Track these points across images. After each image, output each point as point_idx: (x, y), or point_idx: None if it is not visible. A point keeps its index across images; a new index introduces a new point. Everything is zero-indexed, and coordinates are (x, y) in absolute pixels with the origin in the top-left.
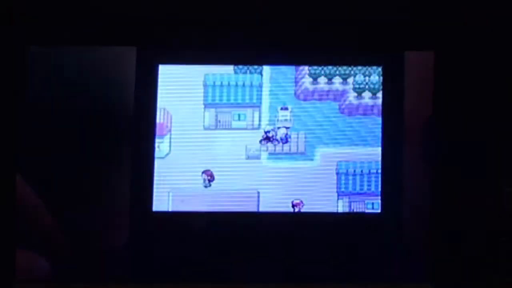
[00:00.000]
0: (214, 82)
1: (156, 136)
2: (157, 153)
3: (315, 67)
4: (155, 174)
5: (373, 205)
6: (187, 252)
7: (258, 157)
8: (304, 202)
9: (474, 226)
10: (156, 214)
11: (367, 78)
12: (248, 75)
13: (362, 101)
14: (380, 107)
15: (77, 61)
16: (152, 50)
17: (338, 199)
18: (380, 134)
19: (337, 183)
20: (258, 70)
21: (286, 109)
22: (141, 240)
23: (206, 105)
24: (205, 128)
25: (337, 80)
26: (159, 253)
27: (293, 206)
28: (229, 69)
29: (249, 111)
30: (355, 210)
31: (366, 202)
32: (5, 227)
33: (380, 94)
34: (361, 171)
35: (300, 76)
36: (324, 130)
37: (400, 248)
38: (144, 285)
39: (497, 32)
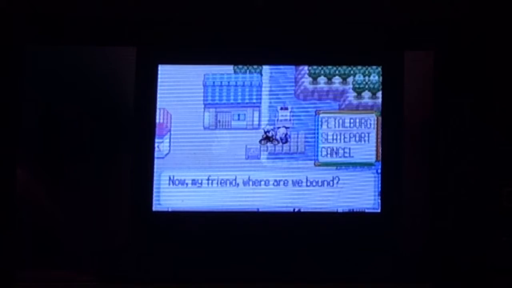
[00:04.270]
0: (214, 82)
1: (156, 136)
2: (157, 153)
3: (315, 67)
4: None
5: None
6: (187, 252)
7: (258, 157)
8: (304, 202)
9: (474, 226)
10: (156, 214)
11: (366, 77)
12: (248, 75)
13: (362, 100)
14: (380, 107)
15: (77, 61)
16: (152, 50)
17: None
18: (380, 134)
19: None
20: (258, 70)
21: (286, 109)
22: (141, 240)
23: (206, 105)
24: (205, 128)
25: (337, 80)
26: (159, 253)
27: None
28: (229, 69)
29: (249, 111)
30: (355, 210)
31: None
32: (5, 227)
33: (379, 94)
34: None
35: (299, 76)
36: (324, 130)
37: (399, 247)
38: (144, 285)
39: (497, 32)
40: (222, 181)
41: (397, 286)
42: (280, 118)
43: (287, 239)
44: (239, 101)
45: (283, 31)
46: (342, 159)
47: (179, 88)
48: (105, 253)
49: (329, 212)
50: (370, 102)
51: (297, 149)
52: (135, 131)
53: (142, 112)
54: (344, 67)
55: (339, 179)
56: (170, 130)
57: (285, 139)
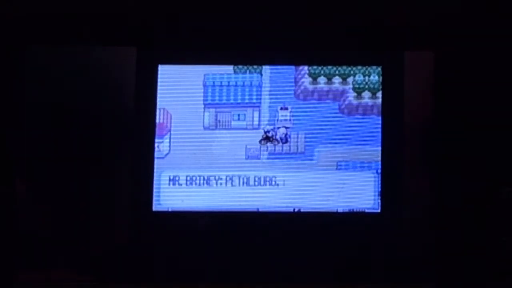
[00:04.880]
0: (214, 82)
1: (156, 136)
2: (157, 153)
3: (315, 67)
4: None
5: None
6: (187, 251)
7: (258, 157)
8: (304, 202)
9: (474, 226)
10: (156, 214)
11: (366, 78)
12: (248, 75)
13: (362, 100)
14: (380, 107)
15: (77, 61)
16: (152, 50)
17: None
18: (380, 134)
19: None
20: (258, 70)
21: (286, 109)
22: (141, 240)
23: (206, 105)
24: (205, 128)
25: (336, 80)
26: (159, 253)
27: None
28: (229, 69)
29: (249, 111)
30: (355, 210)
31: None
32: (5, 228)
33: (379, 94)
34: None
35: (299, 76)
36: (324, 130)
37: (399, 248)
38: (144, 285)
39: (497, 32)
40: (222, 181)
41: (397, 286)
42: (280, 118)
43: (287, 239)
44: (239, 101)
45: (283, 32)
46: (342, 159)
47: (179, 88)
48: (105, 253)
49: (329, 212)
50: (370, 102)
51: (297, 149)
52: (135, 131)
53: (142, 112)
54: (344, 67)
55: (339, 179)
56: (170, 130)
57: (285, 139)
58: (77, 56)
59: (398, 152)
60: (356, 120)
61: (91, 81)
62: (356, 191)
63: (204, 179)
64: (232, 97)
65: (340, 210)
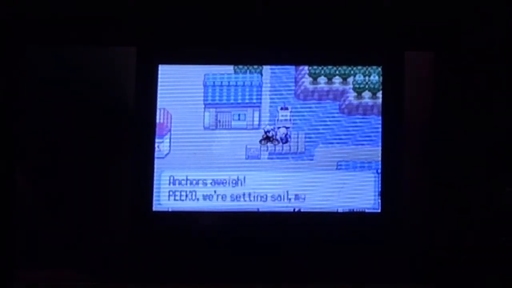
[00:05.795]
0: (214, 82)
1: (156, 136)
2: (157, 153)
3: (315, 67)
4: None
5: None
6: (187, 251)
7: (258, 157)
8: (304, 202)
9: (474, 226)
10: (156, 214)
11: (367, 78)
12: (248, 75)
13: (362, 100)
14: (380, 107)
15: (76, 61)
16: (152, 50)
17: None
18: (380, 134)
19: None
20: (258, 70)
21: (286, 109)
22: (141, 239)
23: (206, 105)
24: (205, 128)
25: (337, 80)
26: (159, 253)
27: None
28: (229, 69)
29: (249, 111)
30: (355, 210)
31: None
32: (5, 227)
33: (380, 94)
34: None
35: (300, 76)
36: (324, 130)
37: (399, 248)
38: (144, 285)
39: (497, 32)
40: (222, 181)
41: (397, 286)
42: (280, 118)
43: (287, 239)
44: (239, 101)
45: (283, 31)
46: (342, 159)
47: (179, 88)
48: (105, 253)
49: (329, 212)
50: (370, 102)
51: (297, 149)
52: (135, 131)
53: (142, 112)
54: (344, 67)
55: (339, 179)
56: (170, 130)
57: (285, 139)
58: (77, 56)
59: (398, 152)
60: (356, 120)
61: (91, 81)
62: (356, 191)
63: (204, 179)
64: (232, 97)
65: (340, 210)
